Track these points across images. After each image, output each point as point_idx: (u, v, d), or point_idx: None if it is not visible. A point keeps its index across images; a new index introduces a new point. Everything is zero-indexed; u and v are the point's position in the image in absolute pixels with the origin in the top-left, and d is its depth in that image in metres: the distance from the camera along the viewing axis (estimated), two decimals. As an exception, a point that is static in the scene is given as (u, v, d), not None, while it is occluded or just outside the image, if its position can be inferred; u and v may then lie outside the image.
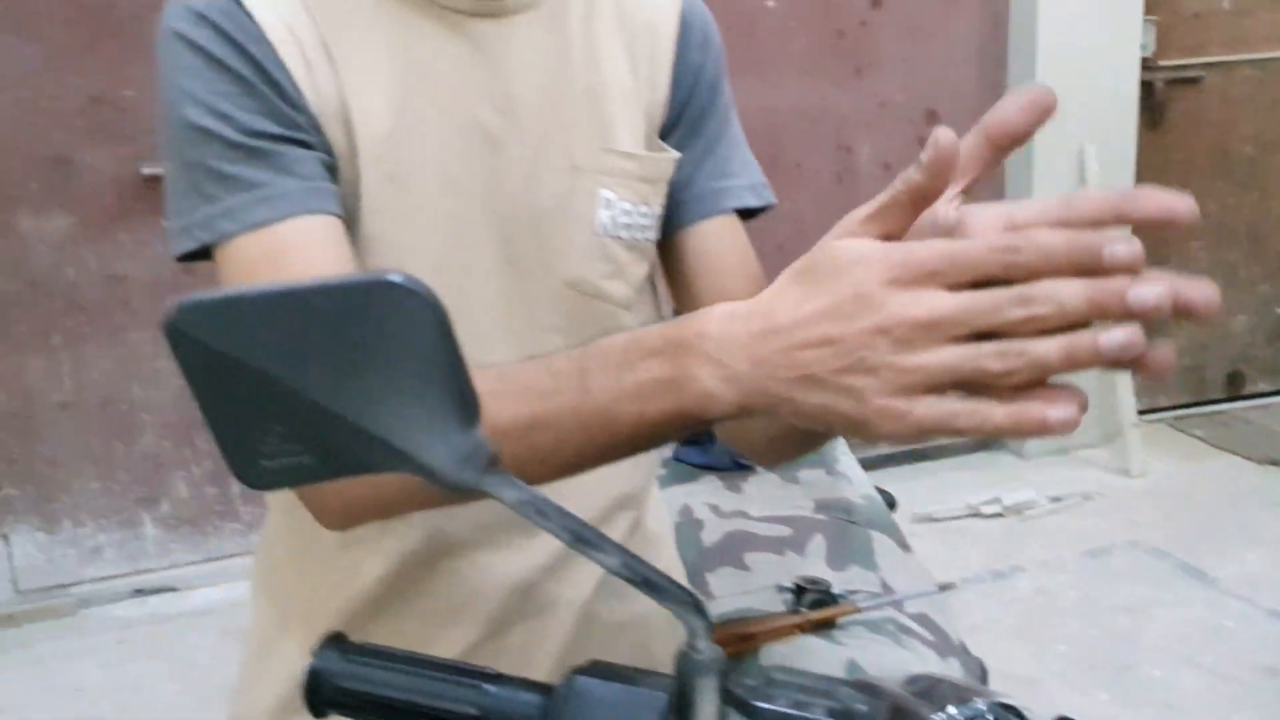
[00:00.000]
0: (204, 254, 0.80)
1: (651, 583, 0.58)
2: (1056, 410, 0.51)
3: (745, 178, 0.97)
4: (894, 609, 1.37)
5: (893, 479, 3.31)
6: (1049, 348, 0.50)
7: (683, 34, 0.95)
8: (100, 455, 2.88)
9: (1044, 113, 0.57)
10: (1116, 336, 0.50)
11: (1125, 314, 0.50)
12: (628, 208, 0.90)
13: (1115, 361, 0.50)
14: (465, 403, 0.55)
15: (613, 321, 0.91)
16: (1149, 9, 3.47)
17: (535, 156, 0.87)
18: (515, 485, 0.56)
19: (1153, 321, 0.51)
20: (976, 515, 3.28)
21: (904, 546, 1.55)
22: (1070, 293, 0.50)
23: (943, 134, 0.55)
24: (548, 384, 0.67)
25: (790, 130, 3.23)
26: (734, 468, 1.71)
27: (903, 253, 0.53)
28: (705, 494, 1.66)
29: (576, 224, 0.89)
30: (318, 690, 0.64)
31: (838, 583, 1.38)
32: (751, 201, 0.96)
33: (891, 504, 1.96)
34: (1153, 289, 0.49)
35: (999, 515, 3.28)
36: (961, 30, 3.36)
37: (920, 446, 3.61)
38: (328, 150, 0.82)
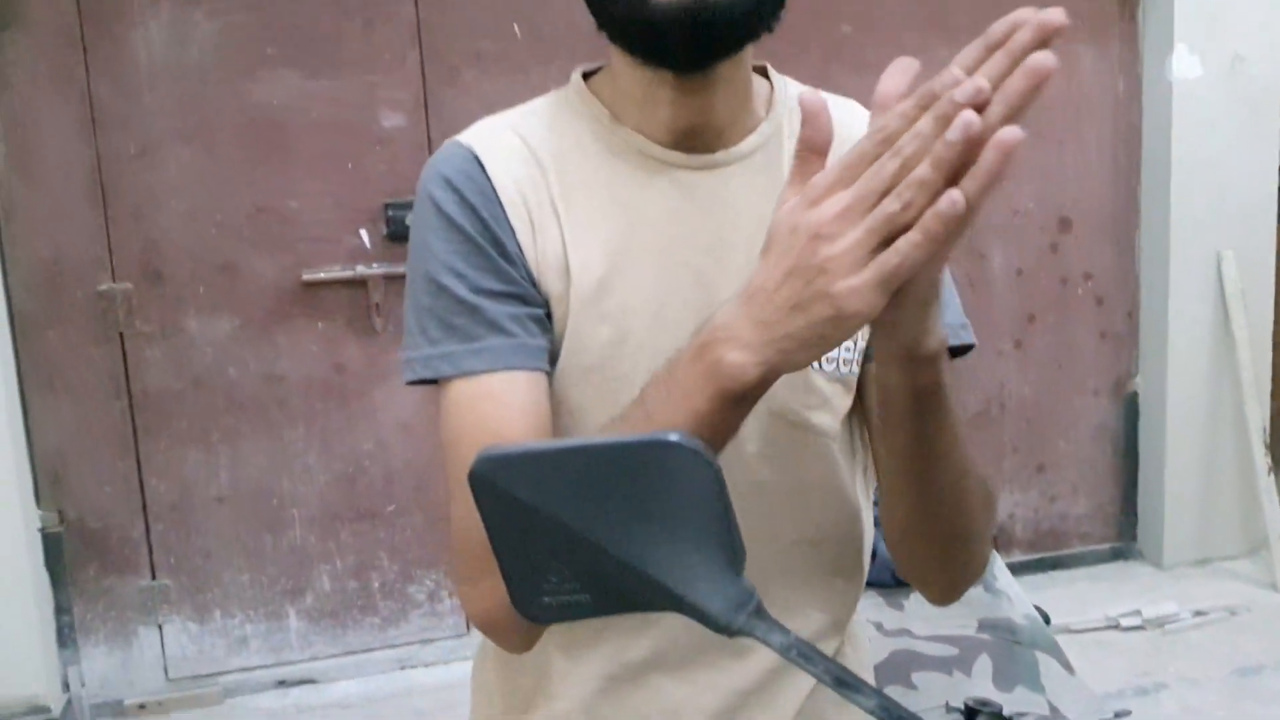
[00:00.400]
0: (429, 381, 0.91)
1: (907, 724, 0.61)
2: (942, 202, 0.62)
3: (945, 315, 0.98)
4: (1064, 733, 1.36)
5: (1027, 588, 3.25)
6: (922, 168, 0.63)
7: None
8: (251, 548, 2.99)
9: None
10: (955, 126, 0.61)
11: (960, 110, 0.61)
12: None
13: (968, 142, 0.61)
14: (734, 551, 0.59)
15: (820, 450, 0.95)
16: (1286, 115, 3.45)
17: None
18: (781, 630, 0.60)
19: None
20: (1116, 627, 3.20)
21: (1068, 668, 1.54)
22: (923, 126, 0.63)
23: (806, 95, 0.70)
24: (623, 429, 0.77)
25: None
26: (894, 584, 1.71)
27: (809, 185, 0.68)
28: (867, 610, 1.66)
29: None
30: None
31: (1005, 704, 1.38)
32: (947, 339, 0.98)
33: (1047, 621, 1.94)
34: (969, 84, 0.62)
35: (1139, 628, 3.20)
36: (1094, 139, 3.37)
37: (1054, 554, 3.55)
38: (544, 299, 0.91)
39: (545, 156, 0.93)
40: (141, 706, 2.95)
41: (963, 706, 1.34)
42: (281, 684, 3.04)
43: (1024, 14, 0.64)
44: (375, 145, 2.91)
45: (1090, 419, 3.53)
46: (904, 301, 0.68)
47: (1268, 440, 3.44)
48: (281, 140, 2.86)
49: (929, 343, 0.73)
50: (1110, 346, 3.51)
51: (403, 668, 3.10)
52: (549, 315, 0.91)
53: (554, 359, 0.92)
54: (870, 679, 1.10)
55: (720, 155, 0.93)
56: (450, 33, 2.91)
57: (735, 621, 0.59)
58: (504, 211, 0.90)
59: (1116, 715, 1.38)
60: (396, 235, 2.93)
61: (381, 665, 3.10)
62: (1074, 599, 3.35)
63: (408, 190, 2.93)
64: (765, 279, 0.69)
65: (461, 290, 0.88)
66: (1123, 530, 3.63)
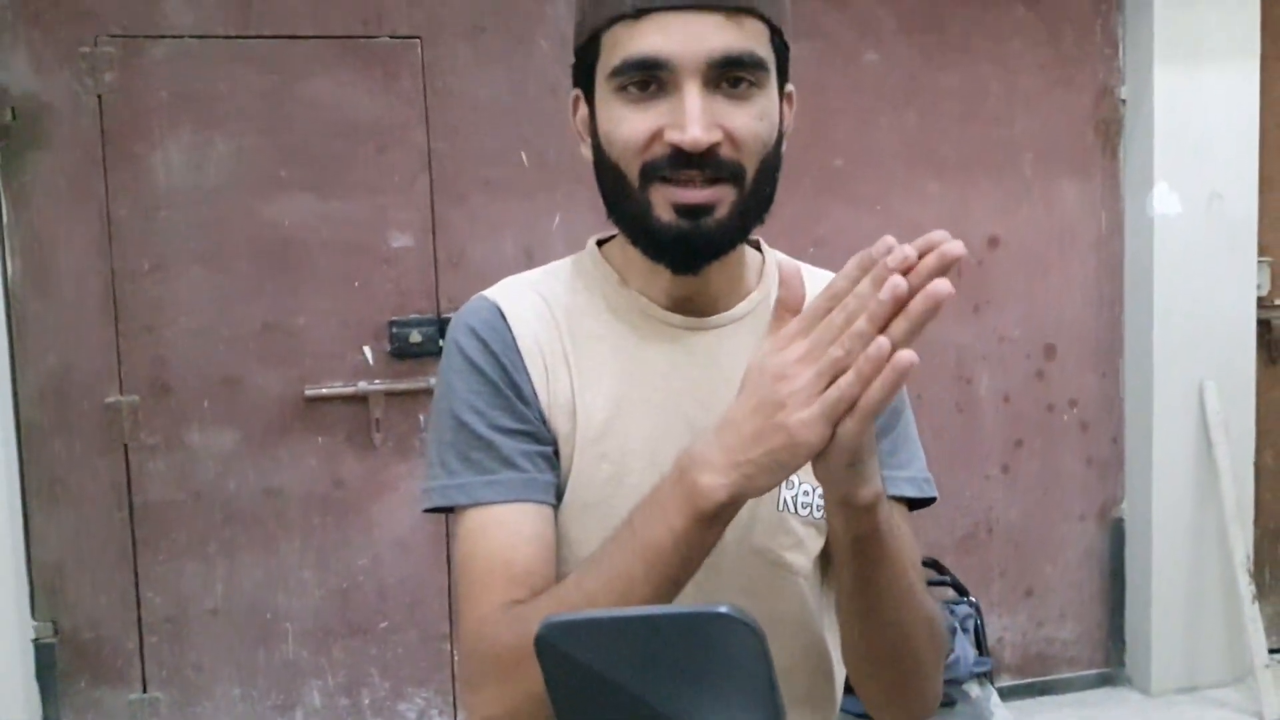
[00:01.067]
0: (445, 509, 1.01)
1: None
2: (871, 348, 0.73)
3: (909, 470, 1.09)
4: None
5: (1016, 713, 3.26)
6: (860, 323, 0.74)
7: None
8: (243, 662, 2.98)
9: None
10: (885, 288, 0.73)
11: (891, 274, 0.74)
12: (808, 489, 1.04)
13: (897, 300, 0.73)
14: (776, 713, 0.64)
15: (793, 587, 1.05)
16: (1262, 251, 3.57)
17: None
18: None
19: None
20: (1105, 755, 3.21)
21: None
22: (862, 287, 0.76)
23: (785, 264, 0.83)
24: (611, 547, 0.88)
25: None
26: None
27: (778, 335, 0.80)
28: (861, 742, 1.69)
29: (762, 500, 1.02)
30: None
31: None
32: (910, 492, 1.07)
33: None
34: (899, 251, 0.74)
35: (1128, 756, 3.20)
36: (1078, 270, 3.48)
37: (1042, 679, 3.56)
38: (552, 438, 1.01)
39: (560, 313, 1.04)
40: (125, 823, 2.91)
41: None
42: (268, 801, 3.00)
43: (938, 236, 0.75)
44: (383, 264, 2.99)
45: (1077, 544, 3.58)
46: (834, 462, 0.78)
47: (1251, 568, 3.49)
48: (291, 258, 2.94)
49: (862, 495, 0.83)
50: (1096, 472, 3.57)
51: (391, 786, 3.08)
52: (557, 454, 1.01)
53: (559, 494, 1.01)
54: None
55: (714, 319, 1.05)
56: (459, 159, 3.02)
57: None
58: (522, 359, 1.01)
59: None
60: (400, 352, 2.99)
61: (369, 783, 3.07)
62: (1063, 725, 3.36)
63: (412, 308, 3.00)
64: (736, 412, 0.81)
65: (480, 427, 0.99)
66: (1110, 656, 3.65)
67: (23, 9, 2.78)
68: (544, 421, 1.01)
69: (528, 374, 1.01)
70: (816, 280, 1.11)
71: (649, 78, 0.93)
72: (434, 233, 3.01)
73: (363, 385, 2.99)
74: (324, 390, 2.97)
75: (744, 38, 0.93)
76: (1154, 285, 3.42)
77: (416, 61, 2.98)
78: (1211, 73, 3.42)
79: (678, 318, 1.04)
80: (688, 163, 0.93)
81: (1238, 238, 3.48)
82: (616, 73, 0.94)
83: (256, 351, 2.93)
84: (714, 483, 0.80)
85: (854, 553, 0.88)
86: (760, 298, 1.08)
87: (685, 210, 0.94)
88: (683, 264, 0.99)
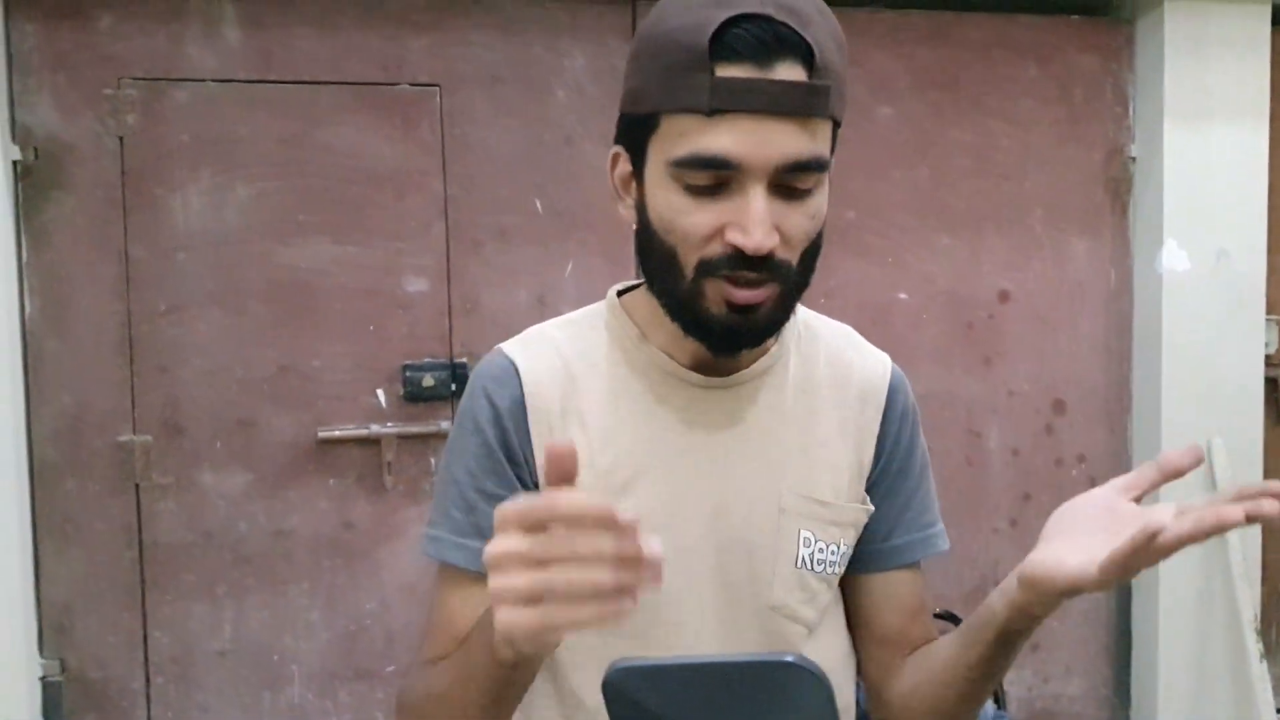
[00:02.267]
0: None
1: None
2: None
3: (933, 530, 1.17)
4: None
5: (1022, 770, 3.25)
6: (596, 571, 0.67)
7: (889, 406, 1.16)
8: (249, 705, 2.98)
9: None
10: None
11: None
12: (823, 546, 1.08)
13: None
14: None
15: (799, 639, 1.08)
16: (1271, 308, 3.58)
17: (750, 499, 1.06)
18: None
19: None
20: (1111, 814, 3.19)
21: None
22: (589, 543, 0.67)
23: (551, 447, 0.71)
24: (464, 649, 0.94)
25: (922, 414, 3.34)
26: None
27: (499, 512, 0.70)
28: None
29: (781, 557, 1.06)
30: None
31: None
32: (943, 546, 1.17)
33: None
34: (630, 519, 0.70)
35: (1134, 815, 3.18)
36: (1087, 326, 3.49)
37: (1048, 735, 3.55)
38: None
39: (578, 368, 1.06)
40: None
41: None
42: (269, 846, 2.99)
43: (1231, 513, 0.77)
44: (397, 309, 3.01)
45: (1083, 600, 3.57)
46: (1057, 587, 0.86)
47: (1259, 627, 3.48)
48: (307, 302, 2.96)
49: (1043, 608, 0.89)
50: (1103, 527, 3.56)
51: (392, 832, 3.06)
52: None
53: None
54: None
55: (733, 377, 1.07)
56: (475, 206, 3.04)
57: None
58: (526, 419, 1.03)
59: None
60: (413, 396, 3.00)
61: (371, 829, 3.06)
62: (1068, 782, 3.34)
63: (426, 352, 3.02)
64: None
65: (467, 488, 1.03)
66: (1116, 713, 3.63)
67: (48, 51, 2.82)
68: (539, 486, 1.03)
69: (529, 434, 1.03)
70: (828, 329, 1.18)
71: (713, 174, 0.92)
72: (449, 278, 3.03)
73: (375, 428, 3.00)
74: (336, 432, 2.98)
75: (813, 143, 0.92)
76: (1162, 342, 3.43)
77: (435, 109, 3.01)
78: (1221, 132, 3.45)
79: (697, 376, 1.06)
80: (746, 263, 0.93)
81: (1246, 295, 3.50)
82: (682, 164, 0.92)
83: (270, 393, 2.95)
84: (504, 646, 0.78)
85: (998, 641, 0.93)
86: (780, 353, 1.10)
87: (737, 308, 0.96)
88: (726, 349, 1.01)
